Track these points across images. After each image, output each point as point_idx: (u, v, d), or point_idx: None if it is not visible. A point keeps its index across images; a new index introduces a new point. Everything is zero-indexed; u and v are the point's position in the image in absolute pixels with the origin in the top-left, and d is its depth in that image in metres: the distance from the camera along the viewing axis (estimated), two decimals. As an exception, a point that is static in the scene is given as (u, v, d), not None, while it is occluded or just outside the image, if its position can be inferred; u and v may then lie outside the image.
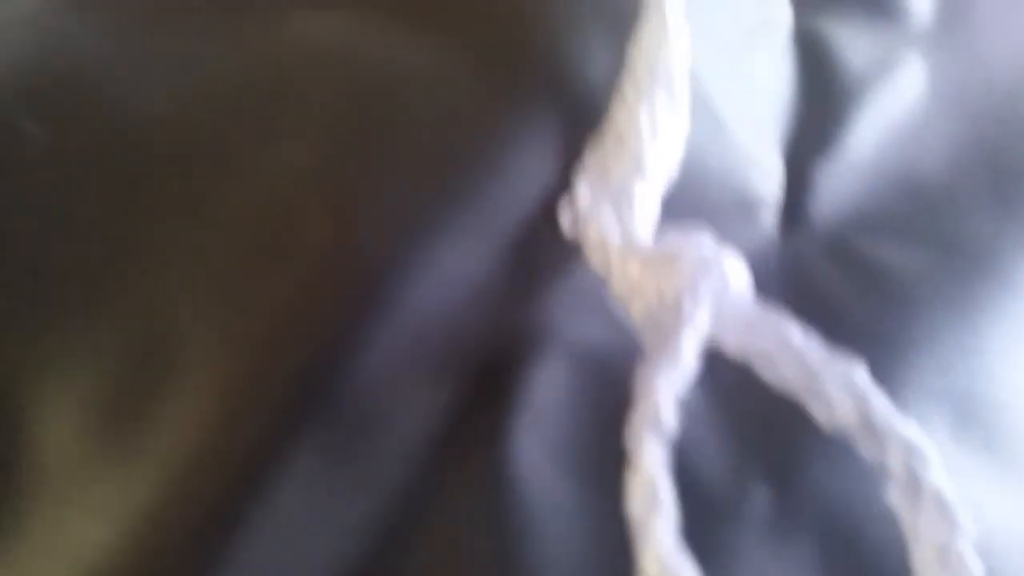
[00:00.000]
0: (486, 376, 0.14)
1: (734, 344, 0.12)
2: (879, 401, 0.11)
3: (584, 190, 0.15)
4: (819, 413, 0.11)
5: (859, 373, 0.11)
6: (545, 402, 0.15)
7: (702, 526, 0.11)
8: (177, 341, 0.14)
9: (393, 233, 0.14)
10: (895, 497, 0.11)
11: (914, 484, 0.11)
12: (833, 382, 0.11)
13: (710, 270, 0.12)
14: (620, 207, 0.14)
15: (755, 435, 0.15)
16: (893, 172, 0.17)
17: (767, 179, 0.17)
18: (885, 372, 0.12)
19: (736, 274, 0.12)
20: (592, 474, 0.14)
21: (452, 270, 0.14)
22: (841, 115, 0.18)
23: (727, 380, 0.13)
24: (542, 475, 0.14)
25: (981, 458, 0.16)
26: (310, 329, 0.14)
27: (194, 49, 0.15)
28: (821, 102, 0.18)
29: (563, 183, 0.15)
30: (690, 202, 0.15)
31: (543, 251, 0.15)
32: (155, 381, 0.13)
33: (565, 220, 0.15)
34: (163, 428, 0.13)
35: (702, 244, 0.13)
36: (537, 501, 0.14)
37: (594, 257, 0.14)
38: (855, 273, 0.17)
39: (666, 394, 0.10)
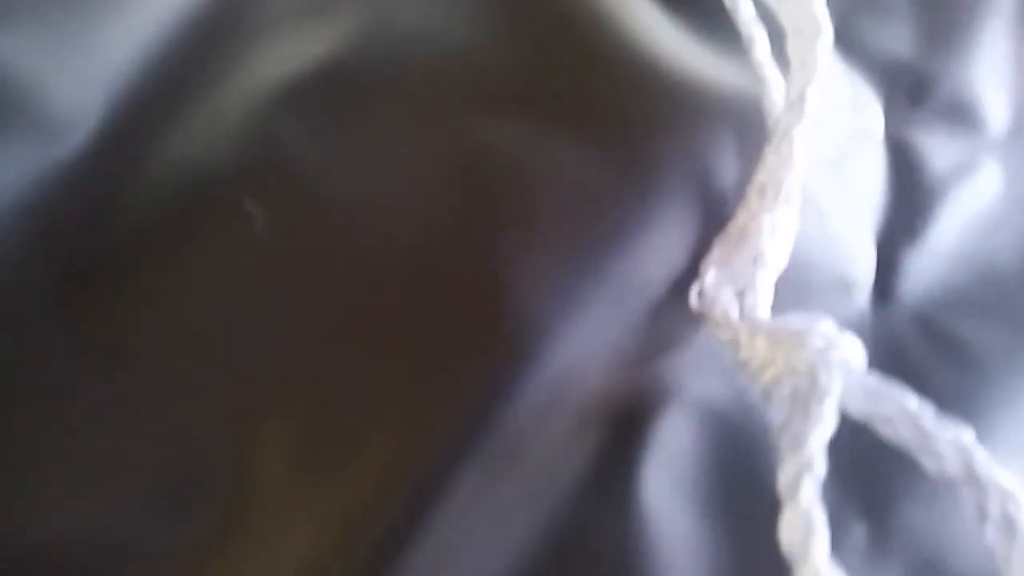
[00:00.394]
0: (622, 425, 0.16)
1: (856, 409, 0.14)
2: (982, 456, 0.13)
3: (711, 276, 0.16)
4: (929, 465, 0.13)
5: (966, 433, 0.13)
6: (672, 447, 0.16)
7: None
8: (366, 389, 0.16)
9: (544, 301, 0.16)
10: (991, 536, 0.13)
11: (1009, 525, 0.12)
12: (944, 440, 0.13)
13: (836, 346, 0.14)
14: (742, 291, 0.16)
15: (853, 477, 0.16)
16: (972, 259, 0.19)
17: (862, 263, 0.19)
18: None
19: (855, 350, 0.14)
20: (713, 509, 0.16)
21: (592, 334, 0.16)
22: (926, 210, 0.19)
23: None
24: (669, 509, 0.16)
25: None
26: (476, 377, 0.16)
27: (391, 149, 0.17)
28: (909, 199, 0.19)
29: (691, 268, 0.17)
30: (797, 282, 0.17)
31: (672, 322, 0.17)
32: (348, 422, 0.15)
33: (693, 299, 0.17)
34: (355, 459, 0.15)
35: (825, 325, 0.14)
36: (665, 531, 0.16)
37: (718, 331, 0.16)
38: (939, 345, 0.19)
39: (817, 447, 0.13)
